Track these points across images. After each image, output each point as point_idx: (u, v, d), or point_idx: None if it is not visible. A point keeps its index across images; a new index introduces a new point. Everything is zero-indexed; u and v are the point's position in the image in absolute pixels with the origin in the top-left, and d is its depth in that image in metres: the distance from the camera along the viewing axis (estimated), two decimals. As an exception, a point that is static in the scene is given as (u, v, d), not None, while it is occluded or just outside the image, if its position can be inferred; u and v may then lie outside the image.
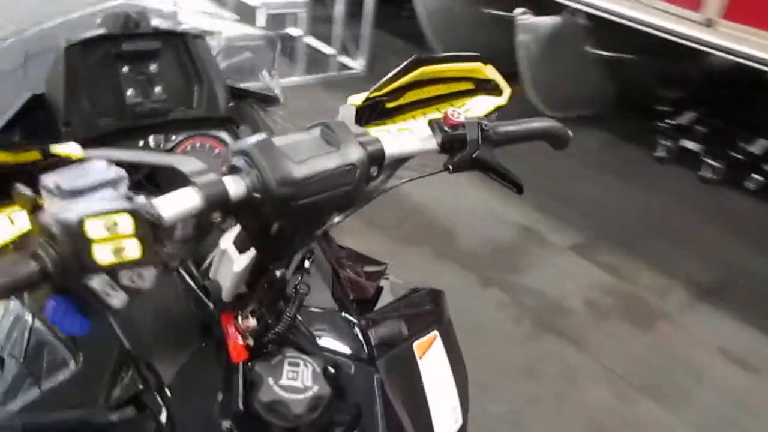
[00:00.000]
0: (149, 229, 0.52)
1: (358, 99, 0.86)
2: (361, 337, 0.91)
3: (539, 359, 2.27)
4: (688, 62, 3.46)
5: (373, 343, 0.92)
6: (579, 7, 3.31)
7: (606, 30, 3.31)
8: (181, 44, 0.97)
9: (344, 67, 4.40)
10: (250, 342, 0.76)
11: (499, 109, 1.00)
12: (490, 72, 0.97)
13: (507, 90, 1.00)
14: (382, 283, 1.08)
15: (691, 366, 2.32)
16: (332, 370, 0.82)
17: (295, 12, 4.27)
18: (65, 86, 0.86)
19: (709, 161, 3.50)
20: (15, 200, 0.51)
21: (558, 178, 3.36)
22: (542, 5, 3.23)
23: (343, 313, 0.92)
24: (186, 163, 0.61)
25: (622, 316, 2.53)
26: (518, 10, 3.17)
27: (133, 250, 0.49)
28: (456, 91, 0.99)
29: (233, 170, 0.63)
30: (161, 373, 0.77)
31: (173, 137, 0.96)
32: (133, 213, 0.50)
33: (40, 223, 0.48)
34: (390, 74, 0.88)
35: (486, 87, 1.00)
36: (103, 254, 0.48)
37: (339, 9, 4.14)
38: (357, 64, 4.39)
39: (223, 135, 1.01)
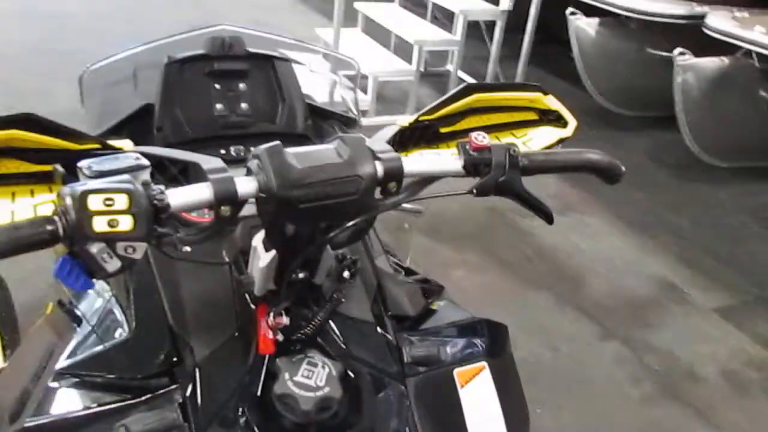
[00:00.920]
0: (148, 209, 0.60)
1: (406, 120, 0.90)
2: (393, 353, 0.93)
3: (655, 428, 2.07)
4: None
5: (405, 361, 0.93)
6: (756, 49, 3.03)
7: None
8: (269, 66, 1.08)
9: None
10: (279, 338, 0.81)
11: (563, 141, 0.97)
12: (551, 102, 0.96)
13: (572, 122, 0.97)
14: (436, 305, 1.09)
15: None
16: (352, 376, 0.85)
17: (450, 50, 4.39)
18: (161, 96, 1.00)
19: None
20: (53, 176, 0.63)
21: (719, 230, 3.07)
22: (704, 46, 3.01)
23: (378, 328, 0.95)
24: (208, 162, 0.69)
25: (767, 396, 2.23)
26: (677, 50, 2.98)
27: (125, 224, 0.58)
28: (518, 120, 0.99)
29: (248, 171, 0.70)
30: (196, 351, 0.85)
31: (252, 149, 1.07)
32: (129, 193, 0.58)
33: (59, 194, 0.58)
34: (440, 99, 0.90)
35: (550, 118, 0.98)
36: (99, 224, 0.57)
37: (494, 48, 4.18)
38: (509, 102, 4.37)
39: None
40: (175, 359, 0.86)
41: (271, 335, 0.82)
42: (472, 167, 0.78)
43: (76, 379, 0.83)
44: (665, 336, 2.44)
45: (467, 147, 0.77)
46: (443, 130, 0.94)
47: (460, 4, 4.16)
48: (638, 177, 3.60)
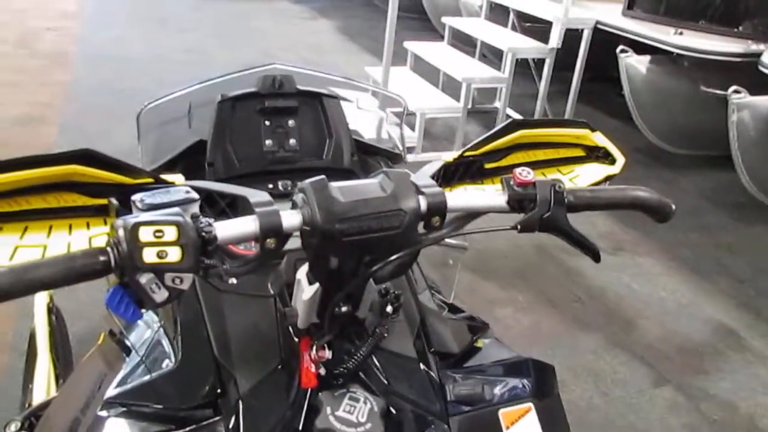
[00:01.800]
0: (195, 241, 0.61)
1: (451, 156, 0.90)
2: (436, 390, 0.92)
3: (714, 480, 1.97)
4: None
5: (448, 399, 0.91)
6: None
7: None
8: (317, 103, 1.10)
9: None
10: (322, 371, 0.82)
11: (610, 178, 0.96)
12: (598, 139, 0.94)
13: (620, 159, 0.95)
14: (481, 343, 1.07)
15: None
16: (394, 412, 0.84)
17: (498, 87, 4.41)
18: (213, 132, 1.03)
19: None
20: (108, 209, 0.65)
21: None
22: (759, 85, 2.93)
23: (421, 364, 0.94)
24: (255, 196, 0.71)
25: (836, 451, 2.09)
26: (732, 88, 2.91)
27: (173, 255, 0.60)
28: (565, 156, 0.98)
29: (294, 205, 0.71)
30: (239, 383, 0.86)
31: (299, 183, 1.09)
32: (179, 225, 0.60)
33: (112, 226, 0.60)
34: (486, 135, 0.90)
35: (597, 155, 0.97)
36: (149, 255, 0.59)
37: (543, 85, 4.18)
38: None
39: None
40: (219, 391, 0.86)
41: (313, 369, 0.82)
42: (516, 203, 0.77)
43: (124, 409, 0.84)
44: (723, 384, 2.32)
45: (511, 182, 0.77)
46: (488, 165, 0.94)
47: (508, 42, 4.19)
48: (693, 218, 3.49)
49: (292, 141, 1.09)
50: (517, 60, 4.10)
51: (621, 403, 2.19)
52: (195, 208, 0.66)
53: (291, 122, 1.10)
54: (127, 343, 0.87)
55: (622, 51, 3.67)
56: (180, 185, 0.70)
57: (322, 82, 1.19)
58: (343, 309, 0.79)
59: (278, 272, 0.89)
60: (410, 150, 3.67)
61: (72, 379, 0.71)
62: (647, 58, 3.71)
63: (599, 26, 4.03)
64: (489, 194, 0.78)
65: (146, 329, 1.03)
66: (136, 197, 0.65)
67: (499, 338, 1.10)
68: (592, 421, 2.09)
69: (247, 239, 0.68)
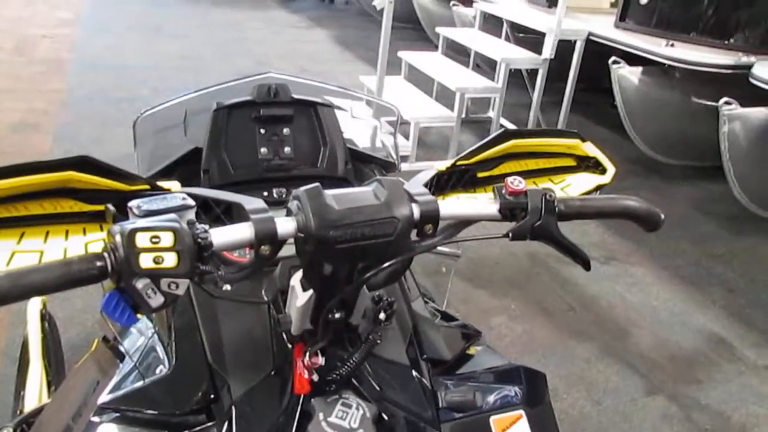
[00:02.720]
0: (191, 247, 0.62)
1: (443, 165, 0.91)
2: (428, 397, 0.92)
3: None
4: None
5: (440, 405, 0.92)
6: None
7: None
8: (312, 112, 1.12)
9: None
10: (315, 378, 0.82)
11: (601, 187, 0.97)
12: (589, 149, 0.96)
13: (611, 169, 0.97)
14: (473, 350, 1.08)
15: None
16: (386, 418, 0.85)
17: (491, 97, 4.44)
18: (209, 140, 1.04)
19: None
20: (105, 215, 0.66)
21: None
22: (750, 96, 2.96)
23: (413, 371, 0.95)
24: (250, 203, 0.72)
25: (826, 460, 2.10)
26: (723, 100, 2.94)
27: (170, 260, 0.60)
28: (556, 166, 0.99)
29: (288, 212, 0.72)
30: (232, 389, 0.86)
31: (294, 191, 1.10)
32: (175, 231, 0.61)
33: (109, 232, 0.61)
34: (478, 144, 0.92)
35: (588, 164, 0.98)
36: (146, 261, 0.60)
37: (536, 95, 4.21)
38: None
39: None
40: (212, 396, 0.87)
41: (306, 375, 0.82)
42: (507, 211, 0.78)
43: (117, 414, 0.85)
44: (715, 394, 2.34)
45: (503, 191, 0.78)
46: (480, 174, 0.95)
47: (502, 52, 4.22)
48: (684, 227, 3.51)
49: (286, 149, 1.10)
50: (510, 70, 4.13)
51: (613, 412, 2.20)
52: (191, 215, 0.67)
53: (286, 130, 1.11)
54: (121, 349, 0.87)
55: (615, 62, 3.70)
56: (176, 192, 0.70)
57: (317, 91, 1.20)
58: (337, 315, 0.79)
59: (272, 279, 0.89)
60: (404, 159, 3.69)
61: (65, 385, 0.71)
62: (639, 69, 3.75)
63: (592, 38, 4.07)
64: (481, 203, 0.79)
65: (140, 335, 1.04)
66: (133, 203, 0.66)
67: (492, 346, 1.11)
68: (585, 429, 2.10)
69: (242, 246, 0.69)
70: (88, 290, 0.63)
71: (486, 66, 4.87)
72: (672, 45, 3.64)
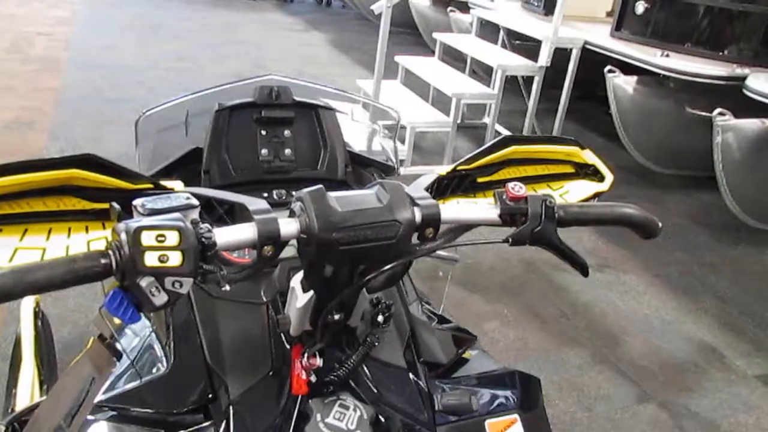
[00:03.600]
0: (196, 246, 0.62)
1: (444, 169, 0.92)
2: (424, 400, 0.93)
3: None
4: None
5: (436, 408, 0.93)
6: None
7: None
8: (313, 114, 1.12)
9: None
10: (313, 379, 0.82)
11: (599, 195, 0.98)
12: (588, 156, 0.97)
13: (609, 176, 0.98)
14: (469, 355, 1.09)
15: None
16: (383, 420, 0.85)
17: (487, 103, 4.46)
18: (210, 141, 1.04)
19: None
20: (110, 213, 0.66)
21: (762, 294, 2.98)
22: (744, 108, 2.99)
23: (410, 374, 0.95)
24: (253, 203, 0.72)
25: (814, 470, 2.12)
26: (717, 111, 2.97)
27: (174, 259, 0.61)
28: (555, 173, 1.00)
29: (291, 213, 0.72)
30: (230, 389, 0.86)
31: (294, 193, 1.11)
32: (180, 230, 0.61)
33: (114, 230, 0.61)
34: (478, 150, 0.92)
35: (587, 172, 0.99)
36: (150, 259, 0.60)
37: (531, 102, 4.23)
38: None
39: None
40: (210, 396, 0.87)
41: (304, 376, 0.83)
42: (508, 216, 0.79)
43: (114, 413, 0.85)
44: (705, 402, 2.35)
45: (504, 196, 0.78)
46: (480, 180, 0.96)
47: (498, 59, 4.24)
48: (678, 237, 3.54)
49: (287, 151, 1.11)
50: (506, 77, 4.15)
51: (604, 419, 2.21)
52: (195, 214, 0.68)
53: (287, 132, 1.11)
54: (118, 347, 0.87)
55: (610, 71, 3.73)
56: (180, 191, 0.71)
57: (318, 93, 1.21)
58: (336, 317, 0.80)
59: (272, 280, 0.90)
60: (400, 163, 3.70)
61: (60, 383, 0.71)
62: (634, 78, 3.78)
63: (588, 46, 4.10)
64: (482, 207, 0.80)
65: (138, 334, 1.04)
66: (138, 202, 0.66)
67: (486, 351, 1.12)
68: (576, 436, 2.11)
69: (245, 246, 0.69)
70: (81, 290, 0.63)
71: (482, 72, 4.90)
72: (667, 55, 3.67)
